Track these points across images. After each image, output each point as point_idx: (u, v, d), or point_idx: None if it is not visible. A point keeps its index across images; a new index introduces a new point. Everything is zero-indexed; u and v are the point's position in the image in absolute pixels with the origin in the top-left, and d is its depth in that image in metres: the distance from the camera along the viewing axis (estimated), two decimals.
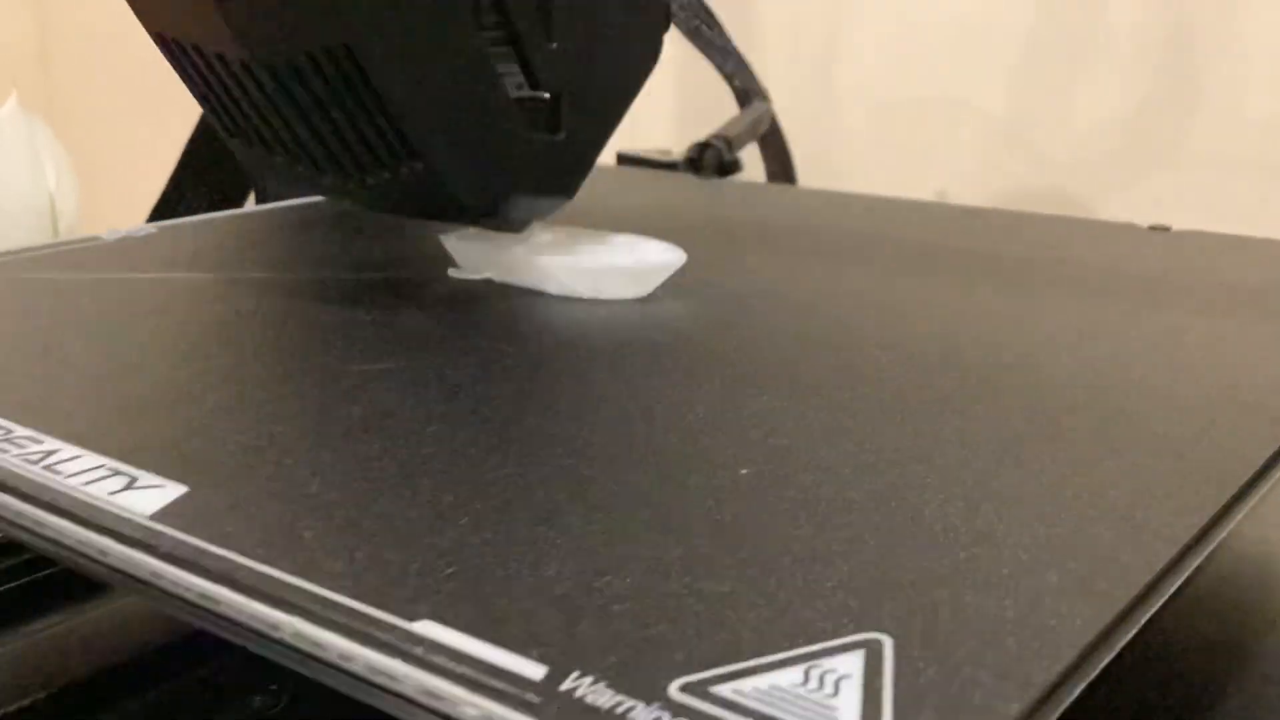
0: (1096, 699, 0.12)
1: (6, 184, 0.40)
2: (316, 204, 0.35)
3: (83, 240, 0.29)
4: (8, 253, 0.28)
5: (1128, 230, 0.34)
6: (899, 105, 0.58)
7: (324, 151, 0.24)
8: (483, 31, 0.23)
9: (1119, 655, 0.12)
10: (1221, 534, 0.15)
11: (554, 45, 0.24)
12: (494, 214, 0.25)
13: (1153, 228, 0.34)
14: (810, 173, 0.51)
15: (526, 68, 0.24)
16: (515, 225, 0.26)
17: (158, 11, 0.24)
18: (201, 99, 0.26)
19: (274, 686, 0.19)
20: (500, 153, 0.24)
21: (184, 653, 0.19)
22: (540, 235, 0.26)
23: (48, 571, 0.21)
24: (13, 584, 0.21)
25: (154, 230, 0.30)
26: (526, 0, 0.23)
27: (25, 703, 0.18)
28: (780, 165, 0.50)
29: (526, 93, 0.24)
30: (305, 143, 0.24)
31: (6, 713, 0.18)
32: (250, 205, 0.42)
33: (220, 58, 0.23)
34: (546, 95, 0.24)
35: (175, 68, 0.25)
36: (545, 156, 0.25)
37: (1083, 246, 0.32)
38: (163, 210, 0.42)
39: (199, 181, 0.42)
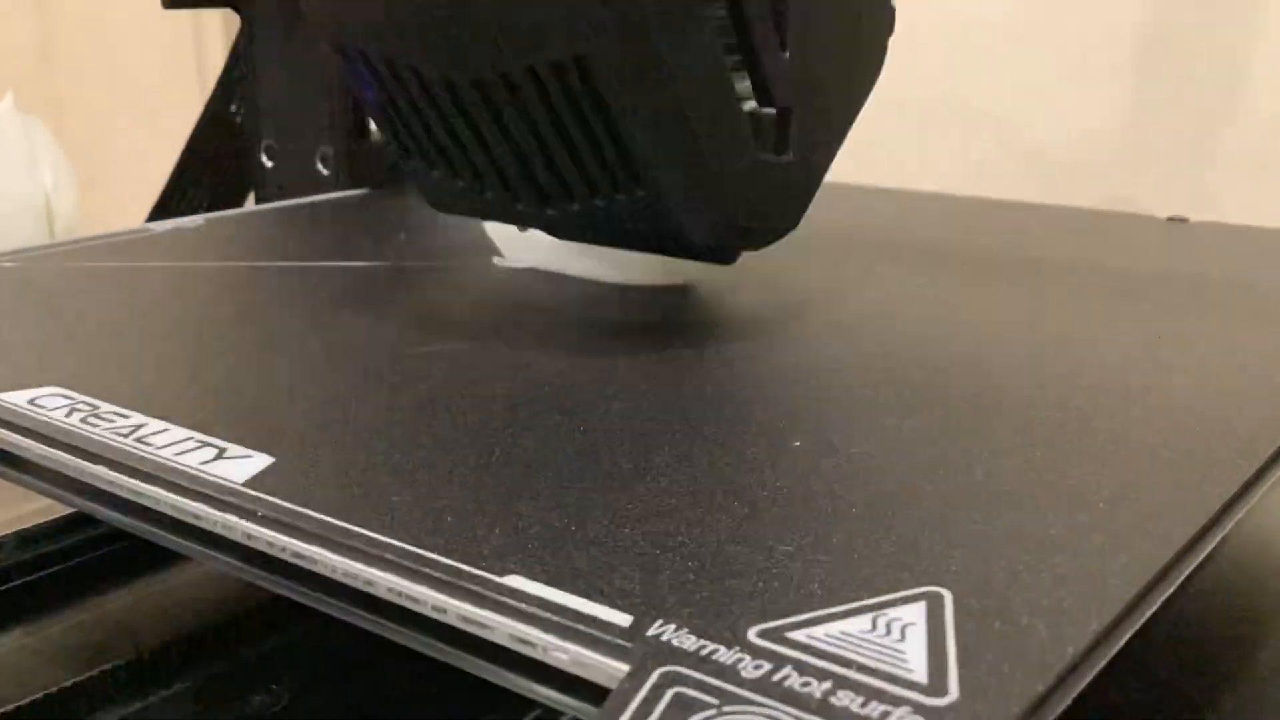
0: (1090, 700, 0.13)
1: (3, 184, 0.40)
2: (357, 196, 0.36)
3: (133, 231, 0.30)
4: (57, 245, 0.29)
5: (1147, 222, 0.34)
6: (900, 105, 0.58)
7: (524, 176, 0.22)
8: (719, 40, 0.20)
9: (1115, 657, 0.13)
10: (1254, 499, 0.16)
11: (788, 55, 0.21)
12: (718, 248, 0.23)
13: (1171, 219, 0.35)
14: None
15: (758, 80, 0.21)
16: (730, 258, 0.23)
17: (342, 21, 0.22)
18: (381, 115, 0.23)
19: (274, 686, 0.19)
20: (731, 179, 0.21)
21: (184, 653, 0.20)
22: None
23: (46, 572, 0.21)
24: (11, 584, 0.21)
25: (202, 222, 0.31)
26: (761, 4, 0.21)
27: (24, 702, 0.18)
28: None
29: (751, 109, 0.21)
30: (504, 166, 0.22)
31: (4, 713, 0.19)
32: (250, 205, 0.42)
33: (415, 71, 0.21)
34: (773, 111, 0.21)
35: (352, 82, 0.23)
36: (772, 181, 0.22)
37: (1104, 238, 0.33)
38: (162, 210, 0.42)
39: (198, 182, 0.42)
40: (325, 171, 0.37)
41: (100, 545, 0.22)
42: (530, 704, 0.17)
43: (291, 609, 0.19)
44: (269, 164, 0.40)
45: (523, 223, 0.23)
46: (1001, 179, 0.57)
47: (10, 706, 0.18)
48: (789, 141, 0.22)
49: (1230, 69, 0.52)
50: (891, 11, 0.23)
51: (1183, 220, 0.35)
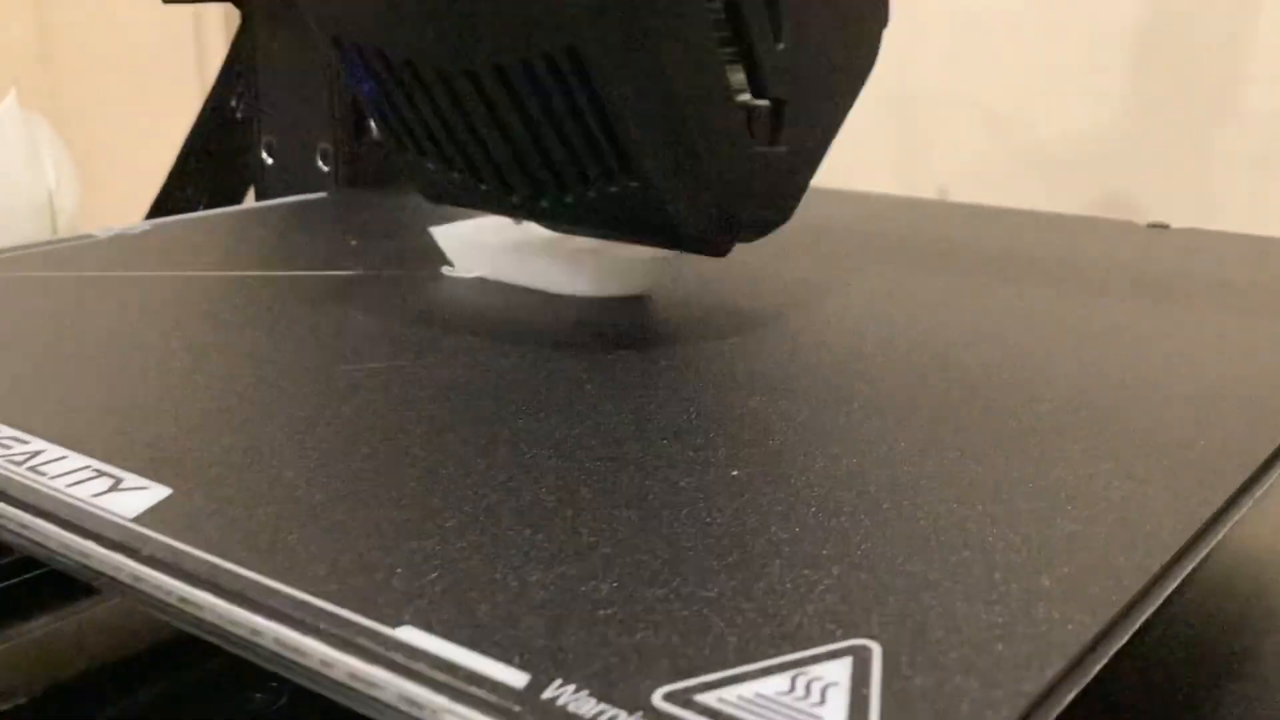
0: (1091, 701, 0.12)
1: (5, 181, 0.40)
2: (314, 200, 0.34)
3: (76, 238, 0.29)
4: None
5: (1127, 228, 0.34)
6: (900, 102, 0.58)
7: (518, 167, 0.22)
8: (713, 31, 0.20)
9: (1114, 657, 0.12)
10: (1217, 537, 0.15)
11: (781, 46, 0.21)
12: (708, 238, 0.22)
13: (1152, 225, 0.34)
14: None
15: (752, 72, 0.21)
16: (722, 250, 0.23)
17: (338, 16, 0.22)
18: (377, 109, 0.23)
19: (274, 684, 0.19)
20: (724, 170, 0.21)
21: (184, 650, 0.19)
22: (532, 233, 0.26)
23: (44, 570, 0.21)
24: (9, 581, 0.21)
25: (148, 227, 0.30)
26: None
27: (24, 700, 0.18)
28: None
29: (744, 100, 0.21)
30: (498, 157, 0.22)
31: (3, 711, 0.18)
32: (250, 203, 0.42)
33: (409, 65, 0.21)
34: (766, 103, 0.21)
35: (348, 76, 0.23)
36: (764, 173, 0.22)
37: (1082, 244, 0.32)
38: (161, 208, 0.42)
39: (197, 179, 0.42)
40: (326, 168, 0.36)
41: None
42: None
43: None
44: (269, 160, 0.39)
45: (516, 214, 0.23)
46: (1003, 176, 0.56)
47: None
48: (782, 133, 0.21)
49: (1229, 67, 0.51)
50: (885, 3, 0.23)
51: (1164, 226, 0.34)
